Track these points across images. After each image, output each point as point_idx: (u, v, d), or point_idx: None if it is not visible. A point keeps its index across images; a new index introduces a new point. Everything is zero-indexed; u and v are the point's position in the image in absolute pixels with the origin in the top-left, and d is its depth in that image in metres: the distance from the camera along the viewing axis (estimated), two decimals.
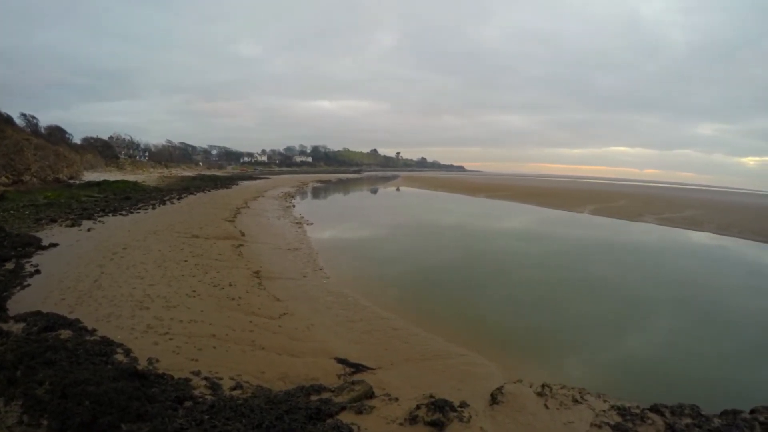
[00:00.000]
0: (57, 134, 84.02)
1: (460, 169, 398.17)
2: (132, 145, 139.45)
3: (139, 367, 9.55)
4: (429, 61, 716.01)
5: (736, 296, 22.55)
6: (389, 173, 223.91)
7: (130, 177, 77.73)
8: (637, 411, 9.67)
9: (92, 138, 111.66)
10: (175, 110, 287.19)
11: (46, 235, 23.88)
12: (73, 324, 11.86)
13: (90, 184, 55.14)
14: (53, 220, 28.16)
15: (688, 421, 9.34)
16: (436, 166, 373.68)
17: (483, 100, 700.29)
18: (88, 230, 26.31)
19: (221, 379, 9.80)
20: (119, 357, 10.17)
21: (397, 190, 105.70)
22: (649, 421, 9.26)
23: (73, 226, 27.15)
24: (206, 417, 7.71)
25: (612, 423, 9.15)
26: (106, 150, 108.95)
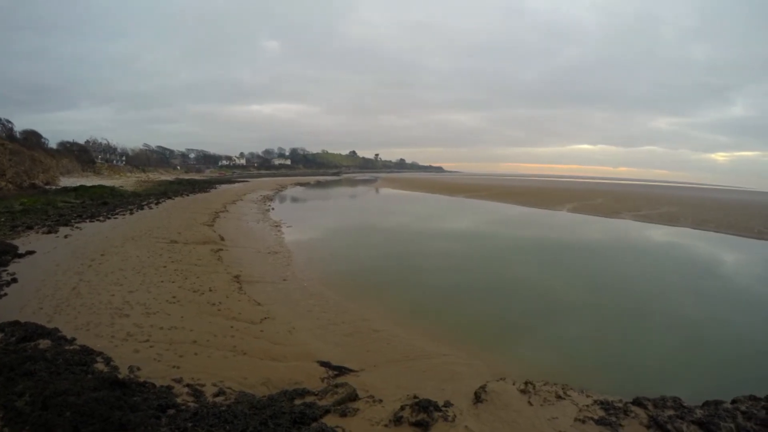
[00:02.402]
0: (32, 139, 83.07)
1: (439, 169, 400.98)
2: (109, 150, 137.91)
3: (120, 376, 9.60)
4: (325, 62, 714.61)
5: (715, 288, 22.96)
6: (368, 175, 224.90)
7: (107, 182, 76.86)
8: (620, 405, 9.90)
9: (68, 142, 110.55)
10: (112, 118, 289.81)
11: (23, 242, 23.66)
12: (52, 333, 11.85)
13: (66, 190, 54.47)
14: (30, 227, 27.94)
15: (671, 413, 9.57)
16: (415, 167, 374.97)
17: (411, 99, 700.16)
18: (66, 237, 26.11)
19: (204, 385, 9.86)
20: (99, 366, 10.19)
21: (377, 191, 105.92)
22: (633, 415, 9.48)
23: (50, 232, 26.93)
24: (190, 425, 7.79)
25: (596, 417, 9.35)
26: (82, 155, 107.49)
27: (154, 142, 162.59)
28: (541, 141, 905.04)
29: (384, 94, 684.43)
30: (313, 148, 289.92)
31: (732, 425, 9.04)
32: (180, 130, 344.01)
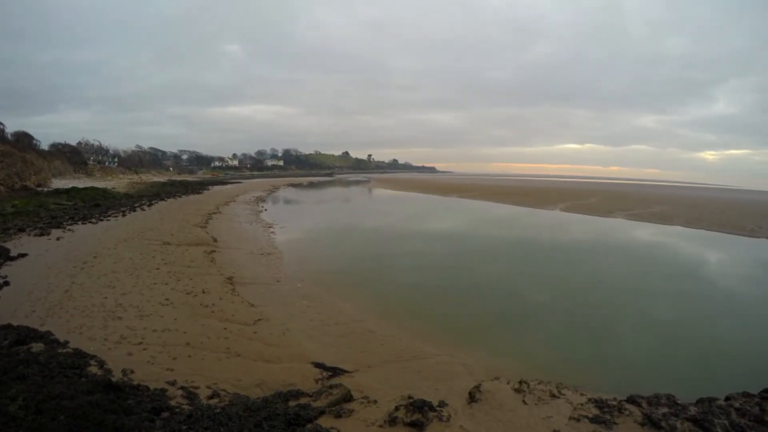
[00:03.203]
0: (24, 140, 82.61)
1: (432, 170, 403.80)
2: (101, 151, 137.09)
3: (114, 379, 9.59)
4: (291, 64, 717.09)
5: (709, 285, 23.15)
6: (361, 176, 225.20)
7: (100, 183, 76.76)
8: (614, 403, 9.95)
9: (60, 144, 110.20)
10: (91, 121, 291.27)
11: (15, 245, 23.59)
12: (45, 336, 11.83)
13: (59, 192, 54.39)
14: (21, 230, 27.83)
15: (665, 410, 9.64)
16: (408, 167, 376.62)
17: (386, 99, 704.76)
18: (58, 239, 26.04)
19: (198, 388, 9.88)
20: (93, 369, 10.18)
21: (370, 192, 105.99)
22: (627, 412, 9.53)
23: (42, 235, 26.86)
24: (184, 427, 7.81)
25: (590, 416, 9.40)
26: (74, 156, 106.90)
27: (127, 145, 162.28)
28: (528, 141, 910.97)
29: (359, 95, 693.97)
30: (305, 149, 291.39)
31: (726, 422, 9.10)
32: (161, 132, 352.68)
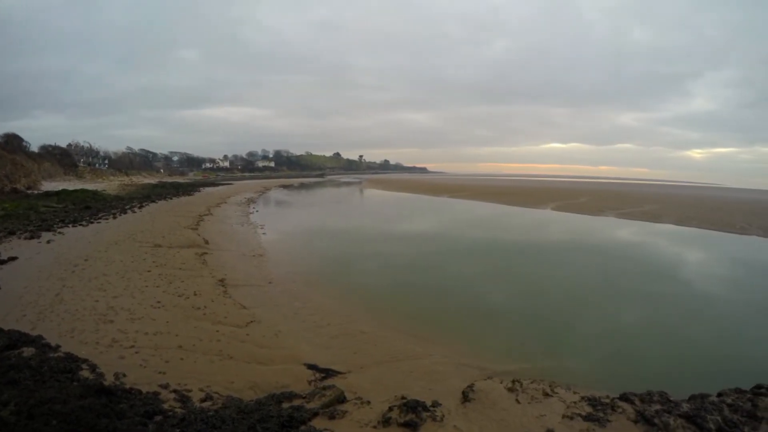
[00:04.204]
0: (14, 142, 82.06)
1: (423, 170, 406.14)
2: (91, 153, 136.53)
3: (106, 383, 9.56)
4: (249, 67, 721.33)
5: (701, 282, 23.39)
6: (352, 177, 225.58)
7: (90, 186, 76.42)
8: (607, 400, 10.00)
9: (50, 146, 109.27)
10: (67, 125, 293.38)
11: (5, 248, 23.40)
12: (36, 341, 11.76)
13: (49, 194, 54.07)
14: (11, 233, 27.58)
15: (658, 407, 9.69)
16: (399, 168, 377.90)
17: (357, 100, 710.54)
18: (48, 242, 25.86)
19: (190, 391, 9.87)
20: (85, 373, 10.13)
21: (361, 193, 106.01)
22: (620, 410, 9.58)
23: (32, 238, 26.64)
24: (177, 431, 7.79)
25: (583, 414, 9.44)
26: (64, 158, 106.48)
27: (114, 147, 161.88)
28: (512, 140, 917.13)
29: (328, 96, 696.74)
30: (296, 150, 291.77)
31: (719, 417, 9.15)
32: (139, 134, 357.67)
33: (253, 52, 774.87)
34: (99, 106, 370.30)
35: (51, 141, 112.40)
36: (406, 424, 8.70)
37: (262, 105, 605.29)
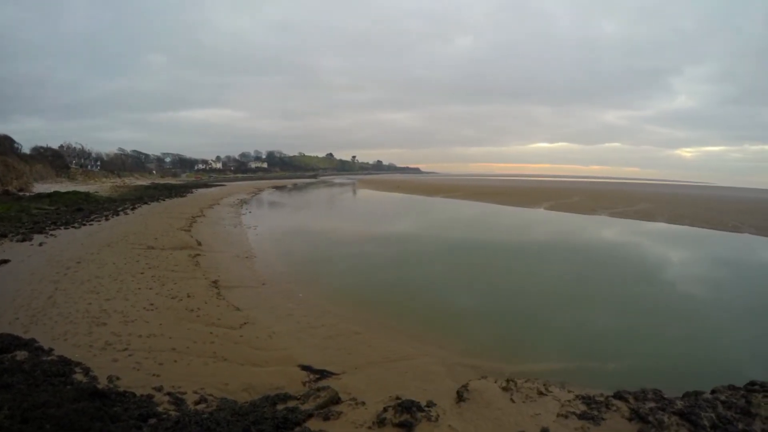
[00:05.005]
0: (5, 144, 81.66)
1: (417, 170, 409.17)
2: (83, 154, 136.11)
3: (100, 386, 9.54)
4: (217, 69, 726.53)
5: (694, 280, 23.59)
6: (345, 178, 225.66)
7: (82, 188, 75.82)
8: (602, 399, 10.06)
9: (42, 147, 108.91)
10: (48, 128, 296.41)
11: None
12: (29, 344, 11.71)
13: (40, 196, 53.70)
14: (3, 235, 27.40)
15: (652, 404, 9.74)
16: (392, 168, 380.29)
17: (330, 101, 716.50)
18: (40, 245, 25.70)
19: (184, 393, 9.85)
20: (78, 376, 10.10)
21: (354, 194, 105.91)
22: (614, 408, 9.62)
23: (24, 240, 26.49)
24: None
25: (578, 412, 9.48)
26: (56, 160, 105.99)
27: (100, 150, 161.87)
28: (500, 140, 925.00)
29: (302, 97, 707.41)
30: (289, 151, 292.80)
31: (713, 414, 9.20)
32: (121, 137, 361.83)
33: (215, 55, 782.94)
34: (78, 109, 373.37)
35: (33, 144, 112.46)
36: (401, 425, 8.71)
37: (239, 107, 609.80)
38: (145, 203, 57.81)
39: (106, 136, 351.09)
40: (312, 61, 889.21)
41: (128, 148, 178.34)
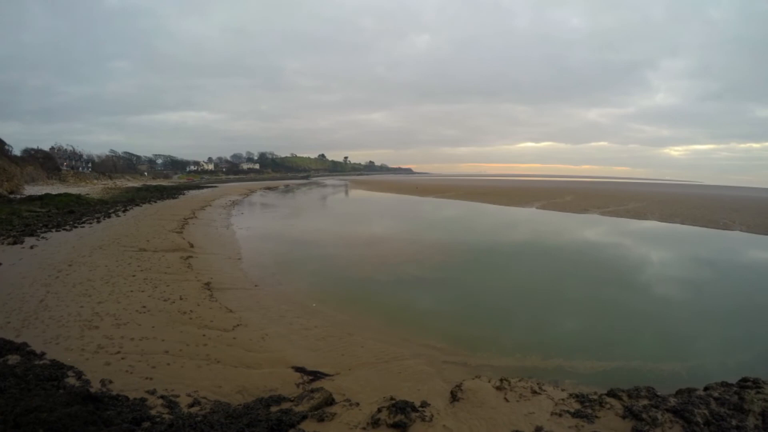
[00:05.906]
0: None
1: (408, 171, 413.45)
2: (74, 156, 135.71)
3: (93, 390, 9.50)
4: (178, 73, 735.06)
5: (688, 278, 23.73)
6: (337, 179, 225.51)
7: (73, 190, 75.49)
8: (595, 397, 10.10)
9: (33, 149, 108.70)
10: (25, 131, 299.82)
11: None
12: (21, 348, 11.65)
13: (31, 199, 53.22)
14: None
15: (645, 402, 9.81)
16: (384, 169, 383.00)
17: (302, 101, 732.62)
18: (31, 247, 25.51)
19: (178, 396, 9.82)
20: (71, 380, 10.05)
21: (347, 195, 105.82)
22: (608, 406, 9.67)
23: (15, 243, 26.28)
24: None
25: (572, 410, 9.52)
26: (47, 162, 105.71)
27: (91, 152, 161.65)
28: (484, 140, 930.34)
29: (271, 98, 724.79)
30: (281, 152, 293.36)
31: (706, 411, 9.27)
32: (99, 139, 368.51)
33: (174, 59, 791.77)
34: (53, 113, 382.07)
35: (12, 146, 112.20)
36: (395, 425, 8.72)
37: (215, 109, 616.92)
38: (137, 205, 57.57)
39: (83, 139, 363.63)
40: (274, 63, 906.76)
41: (108, 150, 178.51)
